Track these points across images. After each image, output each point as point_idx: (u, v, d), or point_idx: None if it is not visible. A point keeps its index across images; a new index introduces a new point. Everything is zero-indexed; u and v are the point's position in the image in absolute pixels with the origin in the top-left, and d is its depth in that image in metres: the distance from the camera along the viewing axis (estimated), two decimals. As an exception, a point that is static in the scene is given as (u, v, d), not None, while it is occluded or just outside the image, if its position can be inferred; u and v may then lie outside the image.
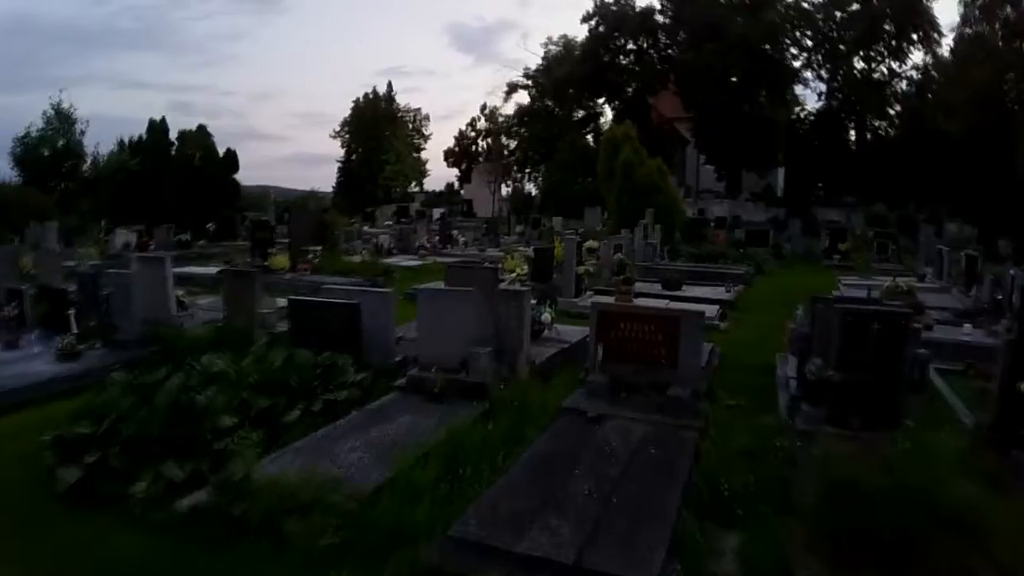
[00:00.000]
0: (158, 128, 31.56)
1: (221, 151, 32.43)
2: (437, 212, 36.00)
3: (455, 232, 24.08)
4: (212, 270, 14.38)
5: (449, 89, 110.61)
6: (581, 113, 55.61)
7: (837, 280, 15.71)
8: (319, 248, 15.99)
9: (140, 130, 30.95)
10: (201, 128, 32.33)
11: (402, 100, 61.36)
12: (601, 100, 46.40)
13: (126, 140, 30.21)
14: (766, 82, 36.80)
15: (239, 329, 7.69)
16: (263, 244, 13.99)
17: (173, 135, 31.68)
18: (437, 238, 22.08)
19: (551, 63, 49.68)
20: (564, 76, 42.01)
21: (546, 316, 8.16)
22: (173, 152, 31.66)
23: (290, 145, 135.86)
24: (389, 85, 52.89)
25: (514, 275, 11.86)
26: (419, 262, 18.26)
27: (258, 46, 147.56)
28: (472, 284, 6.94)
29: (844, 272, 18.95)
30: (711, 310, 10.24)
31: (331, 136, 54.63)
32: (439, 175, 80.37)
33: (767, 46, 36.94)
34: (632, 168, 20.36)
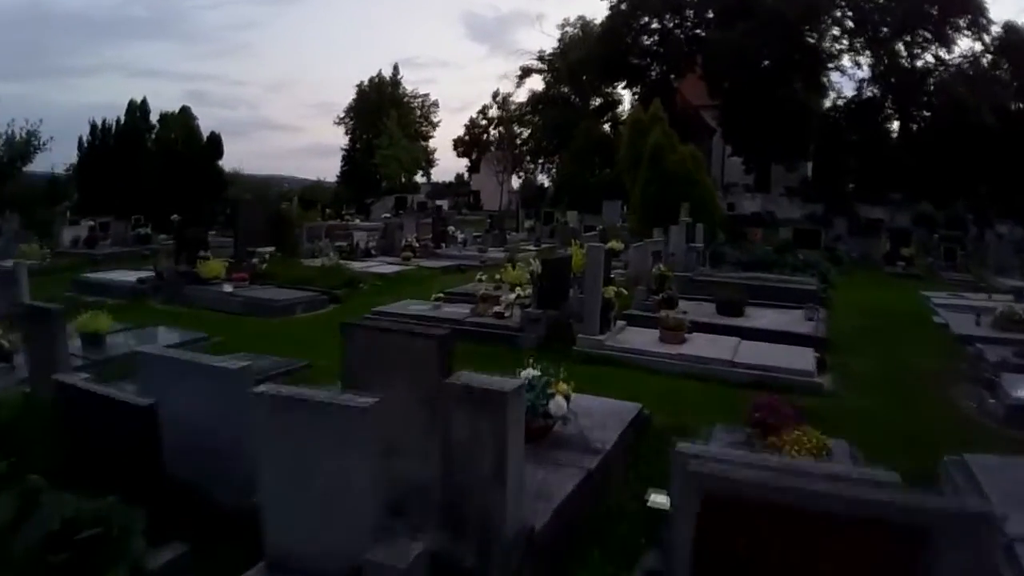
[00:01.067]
0: (136, 110, 28.68)
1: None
2: (441, 204, 32.94)
3: (452, 228, 20.89)
4: (133, 277, 11.37)
5: (463, 80, 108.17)
6: (598, 101, 52.67)
7: (922, 296, 12.52)
8: (271, 250, 12.96)
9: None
10: (184, 110, 29.35)
11: (412, 86, 58.71)
12: (621, 85, 43.02)
13: (99, 123, 27.33)
14: (802, 67, 33.43)
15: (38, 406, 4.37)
16: (193, 245, 10.82)
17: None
18: (429, 236, 18.91)
19: (567, 46, 46.41)
20: (581, 59, 38.70)
21: (557, 403, 4.32)
22: (154, 136, 28.79)
23: (304, 136, 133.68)
24: (395, 68, 49.81)
25: (514, 296, 8.75)
26: (400, 267, 15.16)
27: (271, 35, 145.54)
28: (397, 371, 3.45)
29: (912, 282, 15.77)
30: (801, 357, 7.10)
31: (335, 123, 51.72)
32: (449, 166, 77.83)
33: (806, 26, 33.57)
34: (662, 153, 17.18)
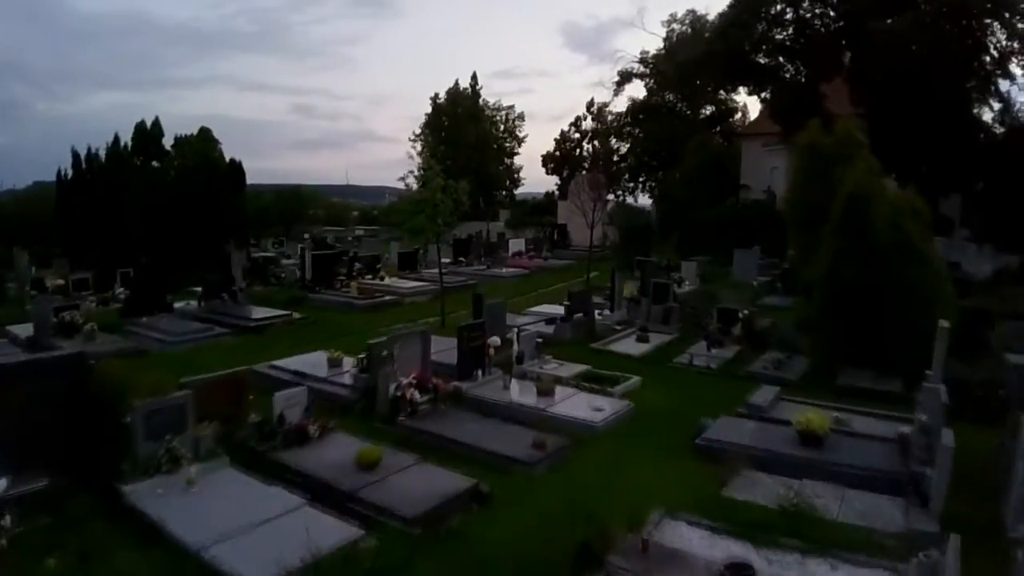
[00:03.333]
0: (141, 134, 23.91)
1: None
2: (514, 244, 26.40)
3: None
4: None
5: (561, 88, 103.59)
6: (709, 110, 45.03)
7: None
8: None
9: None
10: (203, 132, 24.45)
11: (511, 100, 53.01)
12: (746, 89, 35.26)
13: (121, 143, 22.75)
14: (978, 72, 25.10)
15: None
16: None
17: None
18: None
19: (674, 45, 39.32)
20: (695, 58, 31.42)
21: None
22: (172, 163, 24.03)
23: (405, 147, 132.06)
24: (474, 77, 44.00)
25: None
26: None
27: (374, 49, 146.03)
28: None
29: None
30: None
31: (410, 140, 46.53)
32: (539, 177, 72.33)
33: (987, 20, 25.13)
34: (866, 208, 10.14)
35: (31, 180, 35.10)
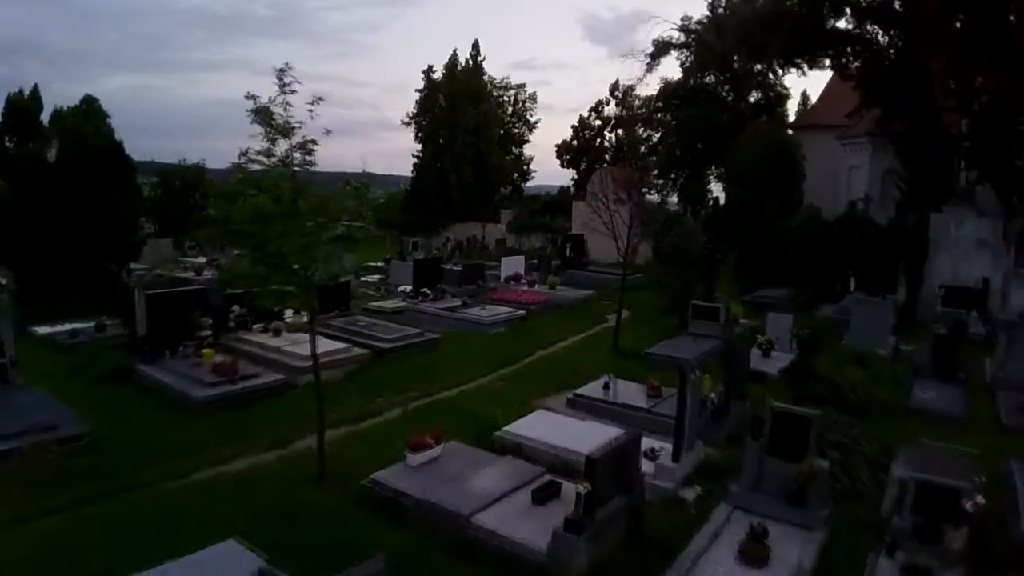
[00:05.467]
0: (16, 108, 17.35)
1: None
2: (508, 263, 18.94)
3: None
4: None
5: (579, 82, 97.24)
6: (755, 96, 37.37)
7: None
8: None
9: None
10: (88, 103, 17.38)
11: (503, 74, 46.14)
12: (802, 68, 27.69)
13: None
14: None
15: None
16: None
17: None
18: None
19: (723, 17, 31.89)
20: (760, 16, 23.90)
21: None
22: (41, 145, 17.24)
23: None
24: (475, 46, 36.45)
25: None
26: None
27: (391, 38, 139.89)
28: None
29: None
30: None
31: (403, 122, 39.22)
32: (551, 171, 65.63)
33: None
34: None
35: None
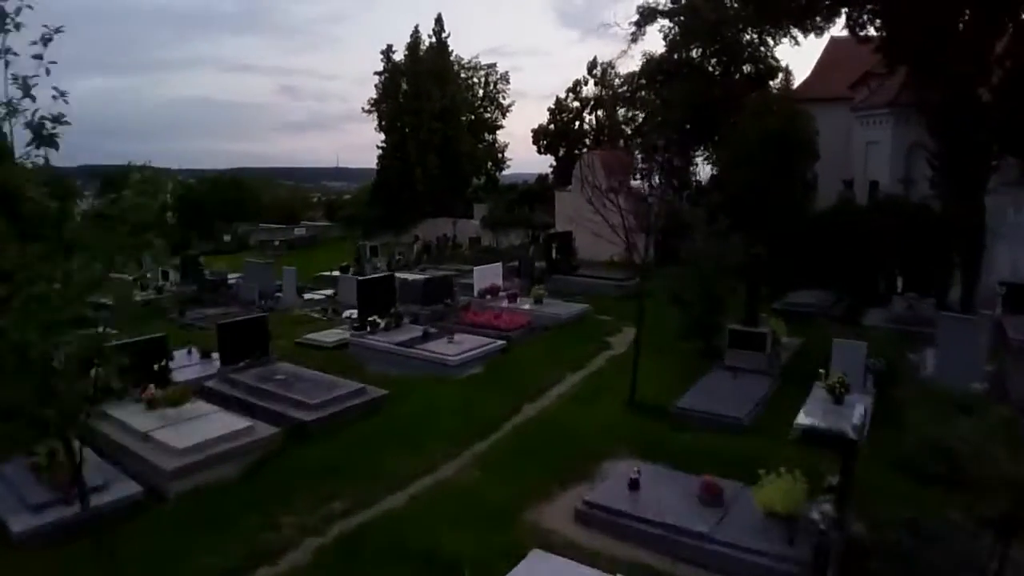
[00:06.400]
0: None
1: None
2: (482, 273, 15.47)
3: None
4: None
5: (553, 66, 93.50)
6: (747, 68, 34.23)
7: None
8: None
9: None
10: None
11: (470, 55, 42.27)
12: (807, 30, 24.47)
13: None
14: None
15: None
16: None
17: None
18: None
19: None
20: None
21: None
22: None
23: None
24: (438, 21, 32.83)
25: None
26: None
27: (360, 28, 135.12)
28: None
29: None
30: None
31: (364, 111, 35.57)
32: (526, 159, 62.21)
33: None
34: None
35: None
